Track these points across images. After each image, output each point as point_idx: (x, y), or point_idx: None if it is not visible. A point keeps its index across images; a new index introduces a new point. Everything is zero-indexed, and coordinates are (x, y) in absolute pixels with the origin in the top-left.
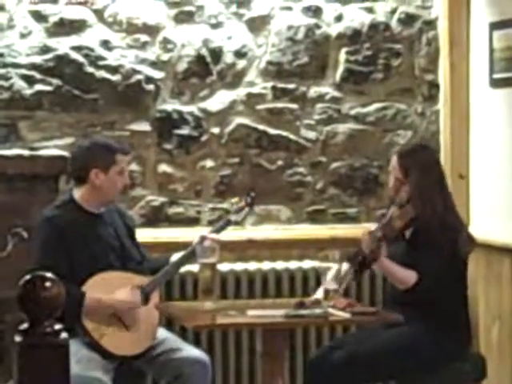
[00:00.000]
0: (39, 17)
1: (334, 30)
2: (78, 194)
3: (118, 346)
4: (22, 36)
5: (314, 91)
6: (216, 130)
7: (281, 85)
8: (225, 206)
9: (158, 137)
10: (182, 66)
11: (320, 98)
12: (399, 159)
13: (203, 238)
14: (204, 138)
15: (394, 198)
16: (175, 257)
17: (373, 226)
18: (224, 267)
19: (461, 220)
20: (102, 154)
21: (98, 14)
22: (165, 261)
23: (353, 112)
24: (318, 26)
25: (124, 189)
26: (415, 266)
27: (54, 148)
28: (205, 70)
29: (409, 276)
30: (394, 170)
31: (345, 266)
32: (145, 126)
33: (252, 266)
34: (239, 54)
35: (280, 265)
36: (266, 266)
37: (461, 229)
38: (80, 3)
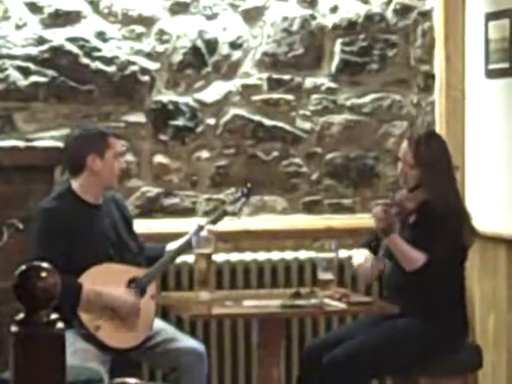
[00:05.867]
0: (34, 8)
1: (329, 20)
2: (76, 184)
3: (114, 338)
4: (18, 27)
5: (309, 82)
6: (211, 121)
7: (276, 76)
8: (221, 196)
9: (154, 128)
10: (177, 58)
11: (315, 88)
12: (410, 145)
13: (201, 228)
14: (199, 128)
15: (402, 183)
16: (171, 246)
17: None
18: (219, 258)
19: (466, 210)
20: (95, 139)
21: (94, 5)
22: (161, 249)
23: (348, 103)
24: (313, 17)
25: (121, 173)
26: (421, 250)
27: (49, 139)
28: (200, 61)
29: (418, 257)
30: (404, 156)
31: (365, 252)
32: (140, 117)
33: (247, 256)
34: (234, 45)
35: (275, 255)
36: (262, 256)
37: (467, 219)
38: None
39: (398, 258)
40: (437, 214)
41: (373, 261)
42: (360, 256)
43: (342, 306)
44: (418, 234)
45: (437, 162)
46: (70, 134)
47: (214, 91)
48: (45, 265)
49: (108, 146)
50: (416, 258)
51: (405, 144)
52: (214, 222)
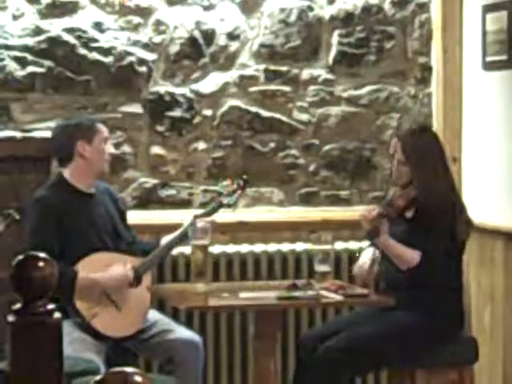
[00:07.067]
0: None
1: (326, 12)
2: (67, 173)
3: (108, 327)
4: (15, 17)
5: (306, 73)
6: (208, 112)
7: (273, 67)
8: (217, 188)
9: (151, 119)
10: (174, 48)
11: (313, 80)
12: (400, 141)
13: (195, 218)
14: (196, 120)
15: (395, 179)
16: (165, 239)
17: (370, 207)
18: (216, 249)
19: (461, 202)
20: (83, 126)
21: None
22: (155, 243)
23: (345, 94)
24: (310, 9)
25: (111, 158)
26: (416, 247)
27: (46, 130)
28: (197, 52)
29: (412, 255)
30: (394, 152)
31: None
32: (137, 108)
33: (244, 248)
34: (232, 36)
35: (272, 247)
36: (258, 248)
37: (460, 211)
38: None
39: (392, 258)
40: (429, 208)
41: (370, 261)
42: (363, 258)
43: (338, 298)
44: (414, 230)
45: (426, 156)
46: (55, 126)
47: (210, 82)
48: (42, 255)
49: (95, 131)
50: (410, 257)
51: (394, 140)
52: (209, 213)
